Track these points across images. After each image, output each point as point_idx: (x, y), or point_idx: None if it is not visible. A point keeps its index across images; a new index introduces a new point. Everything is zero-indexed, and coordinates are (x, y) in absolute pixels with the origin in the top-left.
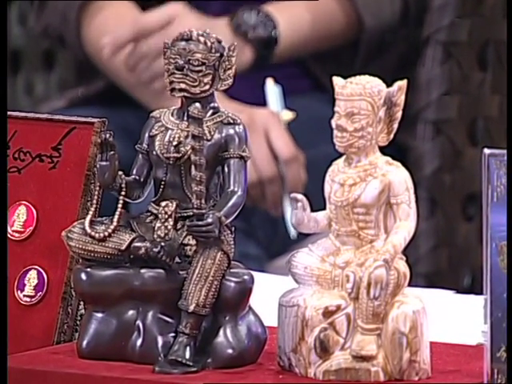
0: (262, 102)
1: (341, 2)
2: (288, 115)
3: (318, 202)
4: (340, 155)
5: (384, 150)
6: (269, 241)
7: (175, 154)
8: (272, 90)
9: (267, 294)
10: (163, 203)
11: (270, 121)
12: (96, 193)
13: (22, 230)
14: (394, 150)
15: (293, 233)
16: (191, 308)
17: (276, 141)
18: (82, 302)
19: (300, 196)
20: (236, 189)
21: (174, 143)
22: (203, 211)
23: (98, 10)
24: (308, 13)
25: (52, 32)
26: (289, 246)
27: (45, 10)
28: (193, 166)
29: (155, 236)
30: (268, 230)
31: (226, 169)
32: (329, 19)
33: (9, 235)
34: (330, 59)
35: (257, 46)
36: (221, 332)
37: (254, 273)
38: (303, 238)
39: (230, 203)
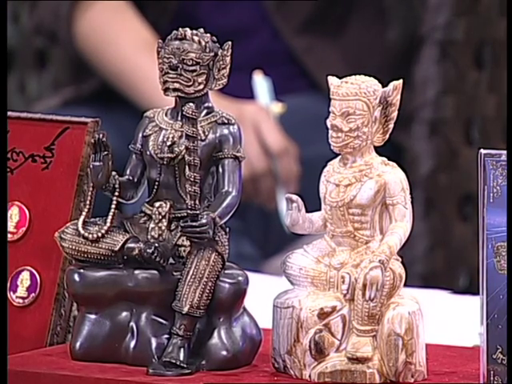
0: (250, 95)
1: None
2: (278, 108)
3: (314, 202)
4: (335, 155)
5: (379, 150)
6: (264, 239)
7: (169, 155)
8: (261, 82)
9: (262, 294)
10: (157, 204)
11: (259, 115)
12: (89, 193)
13: (15, 230)
14: (390, 150)
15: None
16: (185, 309)
17: (266, 134)
18: (75, 304)
19: (295, 197)
20: (230, 189)
21: (168, 143)
22: (197, 212)
23: (89, 5)
24: None
25: (44, 29)
26: (284, 245)
27: (37, 7)
28: (187, 167)
29: (149, 237)
30: (263, 226)
31: (220, 169)
32: None
33: None
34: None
35: None
36: (215, 334)
37: (248, 273)
38: (298, 235)
39: (225, 204)
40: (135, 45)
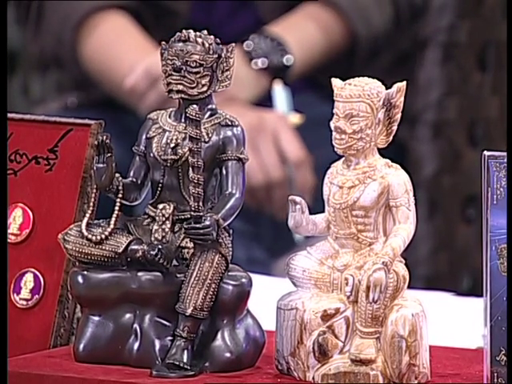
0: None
1: (335, 15)
2: (296, 118)
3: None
4: (339, 157)
5: (383, 152)
6: (274, 244)
7: (173, 156)
8: (280, 92)
9: (270, 296)
10: (160, 205)
11: (279, 124)
12: (93, 195)
13: (18, 232)
14: (393, 151)
15: (297, 237)
16: (189, 311)
17: (286, 144)
18: (78, 305)
19: (298, 198)
20: (234, 191)
21: (172, 145)
22: (201, 214)
23: (94, 28)
24: (315, 30)
25: (48, 54)
26: (294, 248)
27: (40, 32)
28: (190, 168)
29: (152, 239)
30: (274, 233)
31: (223, 171)
32: (330, 33)
33: None
34: (332, 69)
35: (272, 74)
36: (219, 335)
37: (256, 275)
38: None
39: (228, 205)
40: (139, 61)
